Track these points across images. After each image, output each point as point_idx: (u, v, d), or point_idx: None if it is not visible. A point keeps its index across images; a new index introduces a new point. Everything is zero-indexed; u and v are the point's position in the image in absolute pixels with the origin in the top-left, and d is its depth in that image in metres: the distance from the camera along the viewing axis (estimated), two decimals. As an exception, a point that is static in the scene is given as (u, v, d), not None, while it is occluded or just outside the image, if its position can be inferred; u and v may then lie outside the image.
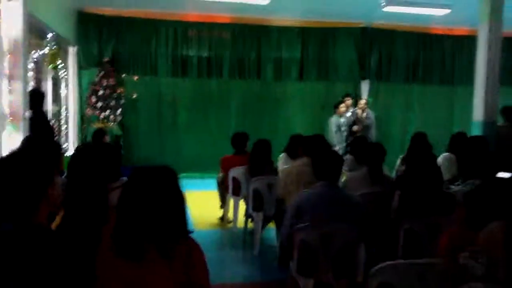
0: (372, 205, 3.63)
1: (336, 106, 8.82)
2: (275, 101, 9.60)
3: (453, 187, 4.28)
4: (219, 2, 7.74)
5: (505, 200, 2.12)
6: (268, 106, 9.54)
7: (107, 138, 6.07)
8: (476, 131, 6.35)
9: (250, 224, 5.22)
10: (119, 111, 8.50)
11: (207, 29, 9.32)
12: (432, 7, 8.13)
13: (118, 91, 8.52)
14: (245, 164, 5.23)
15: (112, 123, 8.36)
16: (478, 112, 6.54)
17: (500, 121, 6.90)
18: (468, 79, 9.75)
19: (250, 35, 9.51)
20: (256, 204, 4.84)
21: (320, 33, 9.74)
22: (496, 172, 3.36)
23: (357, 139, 5.64)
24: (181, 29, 9.23)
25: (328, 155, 3.38)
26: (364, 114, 8.76)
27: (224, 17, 9.35)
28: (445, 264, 2.13)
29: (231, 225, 5.72)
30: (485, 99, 6.44)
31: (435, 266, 2.29)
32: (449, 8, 8.11)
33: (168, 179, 1.80)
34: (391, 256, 3.23)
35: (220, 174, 5.91)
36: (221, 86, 9.46)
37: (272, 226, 5.09)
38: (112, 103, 8.40)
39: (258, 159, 4.96)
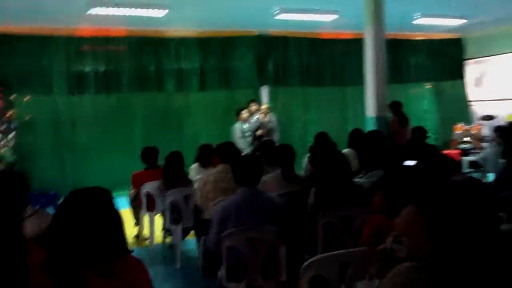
0: (289, 205, 3.79)
1: (238, 113, 9.01)
2: (178, 113, 9.58)
3: (357, 179, 4.61)
4: (113, 15, 7.53)
5: (414, 185, 2.36)
6: (172, 118, 9.48)
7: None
8: (370, 126, 6.87)
9: (168, 238, 5.16)
10: (11, 135, 7.90)
11: (102, 43, 9.01)
12: (321, 13, 8.62)
13: (8, 113, 7.92)
14: (157, 178, 5.16)
15: (4, 149, 7.75)
16: (370, 109, 7.09)
17: (389, 116, 7.58)
18: (358, 79, 10.54)
19: (148, 47, 9.34)
20: (174, 217, 4.80)
21: (218, 42, 9.87)
22: (397, 162, 3.68)
23: (265, 143, 5.83)
24: (75, 45, 8.80)
25: (247, 161, 3.47)
26: (267, 119, 9.04)
27: (119, 30, 9.09)
28: (370, 251, 2.31)
29: (147, 242, 5.59)
30: (375, 96, 7.00)
31: (359, 254, 2.47)
32: (336, 14, 8.65)
33: (104, 200, 1.76)
34: (313, 251, 3.41)
35: (132, 191, 5.75)
36: (121, 101, 9.20)
37: (190, 237, 5.09)
38: (3, 127, 7.79)
39: (172, 172, 4.93)
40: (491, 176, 6.03)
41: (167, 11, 7.56)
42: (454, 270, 1.37)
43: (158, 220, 5.32)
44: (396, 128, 7.41)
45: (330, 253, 2.62)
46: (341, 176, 3.49)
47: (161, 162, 5.77)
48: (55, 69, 8.68)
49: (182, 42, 9.62)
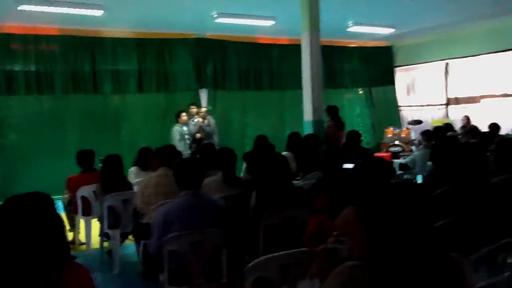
0: (231, 208, 3.83)
1: (178, 116, 8.94)
2: (115, 115, 9.33)
3: (295, 182, 4.74)
4: (46, 12, 7.22)
5: (353, 187, 2.48)
6: (109, 120, 9.22)
7: None
8: (308, 130, 7.06)
9: (106, 244, 5.03)
10: None
11: (33, 42, 8.55)
12: (259, 19, 8.76)
13: None
14: (94, 182, 5.03)
15: None
16: (307, 113, 7.29)
17: (326, 120, 7.84)
18: (295, 84, 10.79)
19: (83, 47, 8.99)
20: (112, 222, 4.69)
21: (156, 44, 9.73)
22: (335, 164, 3.82)
23: (206, 146, 5.82)
24: (2, 42, 8.29)
25: (189, 163, 3.47)
26: (206, 122, 9.04)
27: (52, 28, 8.71)
28: (311, 251, 2.39)
29: (84, 247, 5.42)
30: (312, 100, 7.20)
31: (300, 255, 2.55)
32: (273, 20, 8.83)
33: (45, 205, 1.71)
34: (255, 253, 3.47)
35: (66, 195, 5.56)
36: (55, 102, 8.81)
37: (129, 242, 4.99)
38: None
39: (110, 175, 4.81)
40: (419, 178, 6.39)
41: (102, 11, 7.37)
42: (393, 268, 1.46)
43: (95, 224, 5.16)
44: (333, 131, 7.67)
45: (272, 254, 2.68)
46: (281, 178, 3.57)
47: (97, 165, 5.66)
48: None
49: (119, 43, 9.38)
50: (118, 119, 9.37)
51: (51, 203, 1.75)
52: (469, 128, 8.53)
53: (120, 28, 9.20)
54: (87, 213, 5.15)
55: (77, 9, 7.19)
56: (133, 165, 5.74)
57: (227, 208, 3.50)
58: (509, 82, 10.43)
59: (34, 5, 6.83)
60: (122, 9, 7.80)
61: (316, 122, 7.18)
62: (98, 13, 7.43)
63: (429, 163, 5.48)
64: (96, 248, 5.15)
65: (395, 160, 8.31)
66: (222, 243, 3.26)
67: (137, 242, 4.48)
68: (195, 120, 9.02)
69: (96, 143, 7.73)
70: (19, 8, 6.82)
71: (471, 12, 9.28)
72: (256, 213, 3.61)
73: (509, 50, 10.26)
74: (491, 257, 2.48)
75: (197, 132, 8.95)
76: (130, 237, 4.95)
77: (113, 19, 8.19)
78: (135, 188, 4.76)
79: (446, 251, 1.58)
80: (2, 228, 1.64)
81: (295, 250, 2.70)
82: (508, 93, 10.54)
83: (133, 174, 5.56)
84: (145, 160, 5.54)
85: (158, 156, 4.69)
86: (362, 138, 10.40)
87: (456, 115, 11.49)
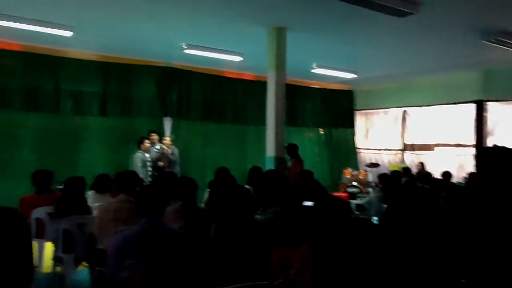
0: (189, 238, 3.83)
1: (141, 142, 8.90)
2: (75, 137, 9.16)
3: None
4: (11, 28, 7.13)
5: (311, 224, 2.57)
6: (67, 142, 9.02)
7: None
8: (269, 165, 7.18)
9: (58, 268, 4.88)
10: None
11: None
12: (227, 54, 8.95)
13: None
14: (49, 203, 4.92)
15: None
16: (270, 149, 7.43)
17: (286, 157, 7.99)
18: (257, 119, 11.00)
19: (46, 65, 8.87)
20: (67, 246, 4.58)
21: (122, 69, 9.71)
22: (294, 201, 3.93)
23: (168, 174, 5.83)
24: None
25: (151, 191, 3.47)
26: (169, 150, 9.03)
27: (13, 44, 8.57)
28: (277, 282, 2.45)
29: (35, 270, 5.22)
30: (275, 137, 7.36)
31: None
32: (240, 56, 9.04)
33: (16, 221, 1.67)
34: (212, 284, 3.47)
35: (19, 216, 5.37)
36: (10, 119, 8.54)
37: (82, 267, 4.87)
38: None
39: (70, 198, 4.72)
40: (374, 219, 6.58)
41: (72, 33, 7.36)
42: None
43: (48, 248, 5.02)
44: (296, 168, 7.82)
45: (229, 287, 2.70)
46: (243, 211, 3.62)
47: (54, 186, 5.55)
48: None
49: (84, 65, 9.30)
50: (78, 141, 9.20)
51: (22, 219, 1.71)
52: (422, 174, 8.89)
53: (86, 50, 9.17)
54: (41, 235, 5.00)
55: (46, 28, 7.14)
56: (90, 189, 5.65)
57: (186, 238, 3.50)
58: (462, 133, 11.00)
59: (2, 20, 6.74)
60: (91, 32, 7.82)
61: (278, 158, 7.32)
62: (68, 34, 7.40)
63: (384, 205, 5.69)
64: (48, 272, 4.99)
65: (352, 201, 8.53)
66: (179, 273, 3.26)
67: (91, 268, 4.38)
68: (157, 147, 9.00)
69: (53, 164, 7.56)
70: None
71: (423, 65, 9.87)
72: (214, 244, 3.63)
73: (459, 103, 10.89)
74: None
75: (159, 160, 8.91)
76: (84, 262, 4.84)
77: (80, 40, 8.17)
78: (94, 213, 4.68)
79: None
80: None
81: (252, 283, 2.75)
82: (461, 143, 11.10)
83: (91, 198, 5.48)
84: (102, 185, 5.47)
85: (118, 181, 4.65)
86: (317, 178, 10.69)
87: (411, 161, 11.96)
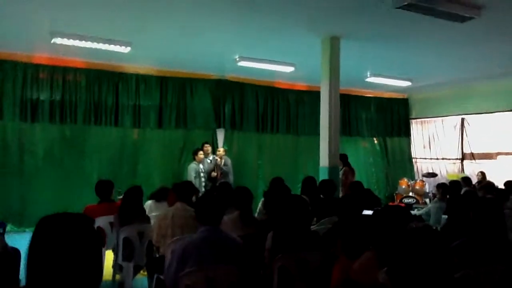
0: (247, 246, 3.85)
1: (195, 153, 9.08)
2: (134, 148, 9.49)
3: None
4: (75, 46, 7.52)
5: (371, 233, 2.53)
6: (127, 153, 9.37)
7: None
8: (323, 175, 7.10)
9: (117, 276, 5.04)
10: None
11: (60, 72, 8.86)
12: (279, 65, 8.99)
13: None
14: (111, 213, 5.08)
15: None
16: (323, 159, 7.35)
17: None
18: (310, 129, 10.96)
19: (107, 80, 9.31)
20: (127, 254, 4.72)
21: (178, 82, 10.00)
22: (352, 211, 3.86)
23: (222, 184, 5.90)
24: (31, 71, 8.60)
25: (211, 200, 3.52)
26: (223, 161, 9.16)
27: (78, 61, 9.04)
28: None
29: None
30: (329, 147, 7.28)
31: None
32: (293, 66, 9.05)
33: (84, 227, 1.73)
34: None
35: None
36: (75, 132, 8.98)
37: (141, 276, 5.00)
38: None
39: (130, 207, 4.87)
40: (433, 230, 6.36)
41: (129, 48, 7.66)
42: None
43: (109, 256, 5.19)
44: (348, 178, 7.71)
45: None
46: (299, 221, 3.61)
47: (115, 196, 5.75)
48: (7, 94, 8.43)
49: (142, 79, 9.66)
50: (136, 152, 9.52)
51: (91, 225, 1.77)
52: (485, 184, 8.49)
53: (144, 64, 9.52)
54: (102, 244, 5.19)
55: (106, 45, 7.47)
56: (149, 199, 5.82)
57: (244, 246, 3.52)
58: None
59: (67, 38, 7.11)
60: (148, 47, 8.09)
61: (332, 169, 7.24)
62: (126, 50, 7.70)
63: (444, 216, 5.48)
64: (108, 280, 5.15)
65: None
66: (236, 281, 3.28)
67: (150, 276, 4.48)
68: (211, 158, 9.15)
69: (113, 175, 7.88)
70: (52, 41, 7.12)
71: (485, 70, 9.48)
72: (271, 253, 3.63)
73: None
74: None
75: (213, 171, 9.05)
76: (142, 271, 4.96)
77: (138, 55, 8.49)
78: (152, 222, 4.81)
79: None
80: (42, 249, 1.60)
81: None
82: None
83: (149, 207, 5.63)
84: (161, 194, 5.63)
85: (176, 190, 4.76)
86: (374, 187, 10.48)
87: (470, 170, 11.47)
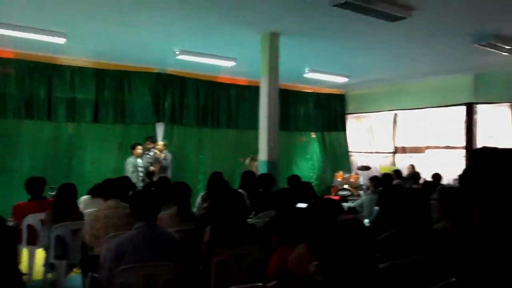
0: (185, 242, 3.84)
1: (133, 148, 8.90)
2: (69, 144, 9.14)
3: (248, 219, 4.81)
4: (3, 35, 7.12)
5: (306, 225, 2.61)
6: (61, 148, 9.01)
7: None
8: (262, 169, 7.20)
9: (49, 275, 4.86)
10: None
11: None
12: (220, 59, 8.97)
13: None
14: (42, 210, 4.89)
15: None
16: (263, 153, 7.45)
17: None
18: (250, 123, 11.05)
19: (40, 73, 8.87)
20: (60, 252, 4.56)
21: (116, 75, 9.73)
22: (288, 204, 3.95)
23: (161, 179, 5.83)
24: None
25: (146, 195, 3.47)
26: (162, 155, 9.03)
27: (7, 52, 8.56)
28: (271, 284, 2.47)
29: (25, 278, 5.19)
30: (268, 142, 7.38)
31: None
32: (234, 61, 9.07)
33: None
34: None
35: (11, 223, 5.35)
36: (5, 126, 8.50)
37: (74, 274, 4.86)
38: None
39: (64, 204, 4.70)
40: (366, 221, 6.61)
41: (65, 39, 7.36)
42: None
43: (39, 254, 5.00)
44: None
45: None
46: (237, 215, 3.65)
47: (47, 193, 5.53)
48: None
49: (78, 71, 9.32)
50: (71, 148, 9.18)
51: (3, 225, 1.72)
52: (412, 174, 8.95)
53: (80, 56, 9.18)
54: (32, 242, 4.98)
55: (40, 35, 7.14)
56: (87, 194, 5.67)
57: (182, 242, 3.51)
58: (452, 135, 11.10)
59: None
60: (85, 39, 7.82)
61: (271, 163, 7.34)
62: (61, 41, 7.40)
63: (376, 207, 5.72)
64: (39, 279, 4.96)
65: (344, 204, 8.56)
66: (174, 277, 3.27)
67: (84, 274, 4.37)
68: (151, 153, 9.01)
69: (47, 171, 7.57)
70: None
71: (416, 68, 9.97)
72: (209, 248, 3.65)
73: (450, 106, 10.99)
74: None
75: (151, 165, 8.91)
76: (76, 269, 4.82)
77: (74, 47, 8.18)
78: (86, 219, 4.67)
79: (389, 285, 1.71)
80: None
81: (247, 285, 2.76)
82: (450, 145, 11.20)
83: (83, 203, 5.47)
84: (97, 190, 5.48)
85: (105, 188, 4.57)
86: (311, 180, 10.75)
87: (402, 163, 12.03)
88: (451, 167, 10.41)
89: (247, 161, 10.10)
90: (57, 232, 4.53)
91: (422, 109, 11.68)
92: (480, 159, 3.61)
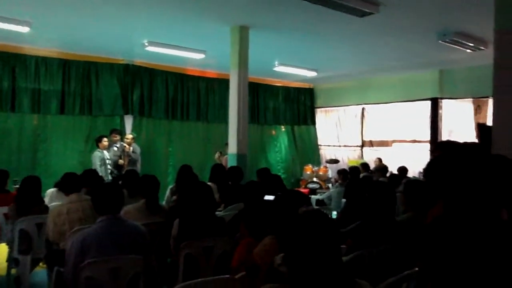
0: (152, 235, 3.83)
1: (99, 140, 8.75)
2: (33, 136, 8.91)
3: (217, 212, 4.82)
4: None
5: (272, 217, 2.64)
6: (26, 141, 8.78)
7: None
8: (232, 162, 7.21)
9: (13, 270, 4.76)
10: None
11: None
12: (189, 51, 8.91)
13: None
14: (5, 204, 4.80)
15: None
16: (232, 146, 7.46)
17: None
18: (220, 116, 11.04)
19: (2, 62, 8.59)
20: (24, 247, 4.47)
21: (82, 66, 9.52)
22: (256, 196, 3.99)
23: (129, 172, 5.77)
24: None
25: (108, 188, 3.41)
26: (131, 148, 8.91)
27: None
28: (239, 275, 2.49)
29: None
30: (237, 135, 7.40)
31: (221, 282, 2.62)
32: (203, 53, 9.02)
33: None
34: (173, 281, 3.49)
35: (-27, 218, 5.22)
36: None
37: (39, 269, 4.78)
38: None
39: (27, 197, 4.60)
40: (334, 214, 6.73)
41: (29, 28, 7.16)
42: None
43: (3, 249, 4.89)
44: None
45: (191, 281, 2.72)
46: (205, 208, 3.66)
47: (10, 186, 5.41)
48: None
49: (43, 62, 9.07)
50: (36, 140, 8.95)
51: None
52: (379, 167, 9.14)
53: (45, 46, 8.94)
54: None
55: (3, 23, 6.92)
56: (54, 187, 5.55)
57: (148, 234, 3.49)
58: (418, 129, 11.38)
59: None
60: (50, 28, 7.62)
61: (240, 156, 7.36)
62: (25, 29, 7.19)
63: (344, 200, 5.83)
64: (2, 275, 4.85)
65: (313, 196, 8.68)
66: (141, 270, 3.25)
67: (50, 268, 4.29)
68: (118, 145, 8.87)
69: (11, 164, 7.39)
70: None
71: (383, 63, 10.15)
72: (177, 241, 3.65)
73: (416, 100, 11.26)
74: (396, 286, 2.72)
75: (120, 158, 8.79)
76: (42, 264, 4.74)
77: (39, 36, 7.97)
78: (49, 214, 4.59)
79: (353, 276, 1.75)
80: None
81: (215, 277, 2.78)
82: (416, 139, 11.48)
83: (49, 197, 5.37)
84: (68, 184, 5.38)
85: (64, 183, 4.50)
86: (280, 173, 10.85)
87: (369, 157, 12.26)
88: (417, 160, 10.67)
89: (216, 155, 10.10)
90: (21, 226, 4.43)
91: (389, 104, 11.90)
92: (443, 153, 3.71)
